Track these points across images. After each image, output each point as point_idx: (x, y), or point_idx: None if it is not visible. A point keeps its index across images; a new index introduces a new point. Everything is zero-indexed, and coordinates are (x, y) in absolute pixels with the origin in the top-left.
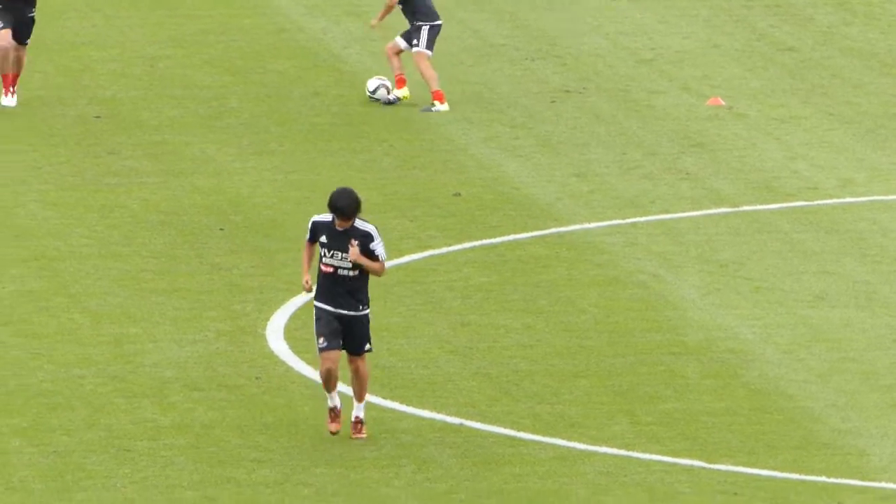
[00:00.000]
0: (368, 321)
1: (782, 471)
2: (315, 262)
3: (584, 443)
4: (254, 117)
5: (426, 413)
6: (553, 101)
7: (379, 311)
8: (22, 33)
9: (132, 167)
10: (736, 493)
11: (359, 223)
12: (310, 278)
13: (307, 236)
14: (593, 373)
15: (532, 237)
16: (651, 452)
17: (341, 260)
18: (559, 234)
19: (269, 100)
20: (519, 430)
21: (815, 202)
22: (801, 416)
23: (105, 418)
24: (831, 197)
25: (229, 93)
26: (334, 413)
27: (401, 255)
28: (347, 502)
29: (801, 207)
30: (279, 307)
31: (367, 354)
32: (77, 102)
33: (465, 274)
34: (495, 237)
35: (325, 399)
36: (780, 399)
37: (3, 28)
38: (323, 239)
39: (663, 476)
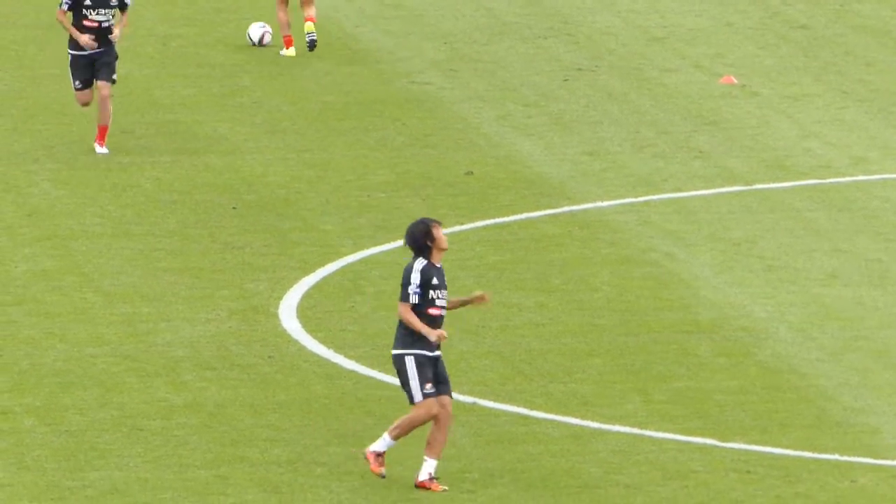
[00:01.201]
0: None
1: (795, 449)
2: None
3: (596, 421)
4: (266, 96)
5: None
6: (565, 80)
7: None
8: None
9: (145, 146)
10: (749, 472)
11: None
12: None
13: (415, 296)
14: (606, 351)
15: (544, 216)
16: (664, 431)
17: (444, 298)
18: (572, 213)
19: (282, 78)
20: (532, 409)
21: (828, 180)
22: (814, 394)
23: (118, 397)
24: (844, 175)
25: (242, 71)
26: (382, 457)
27: None
28: (360, 481)
29: (814, 186)
30: (292, 286)
31: None
32: None
33: (477, 252)
34: (508, 216)
35: (384, 442)
36: (793, 377)
37: (82, 88)
38: (434, 281)
39: (676, 454)
